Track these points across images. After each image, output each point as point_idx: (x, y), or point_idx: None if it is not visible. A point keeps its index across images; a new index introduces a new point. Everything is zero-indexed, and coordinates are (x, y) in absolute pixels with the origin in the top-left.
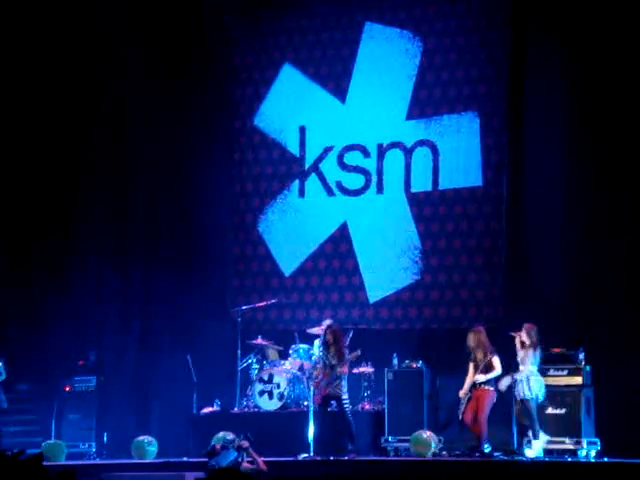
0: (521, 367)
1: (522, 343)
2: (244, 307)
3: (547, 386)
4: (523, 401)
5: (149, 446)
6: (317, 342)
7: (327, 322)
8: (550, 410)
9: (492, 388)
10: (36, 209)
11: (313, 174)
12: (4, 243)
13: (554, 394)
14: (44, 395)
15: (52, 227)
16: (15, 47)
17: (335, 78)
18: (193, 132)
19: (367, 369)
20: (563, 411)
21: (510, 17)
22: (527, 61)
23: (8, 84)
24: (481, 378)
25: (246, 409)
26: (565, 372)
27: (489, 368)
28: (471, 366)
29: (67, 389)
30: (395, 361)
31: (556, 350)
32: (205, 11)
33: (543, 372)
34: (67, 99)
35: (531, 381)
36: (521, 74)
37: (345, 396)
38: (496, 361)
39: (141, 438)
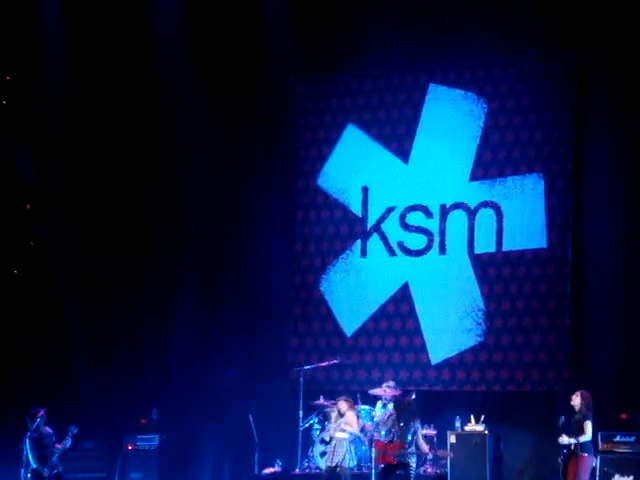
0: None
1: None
2: (306, 367)
3: (613, 452)
4: None
5: None
6: (379, 403)
7: (389, 383)
8: (617, 478)
9: (590, 454)
10: (106, 275)
11: (375, 234)
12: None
13: (620, 461)
14: (108, 453)
15: (122, 296)
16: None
17: (398, 139)
18: (255, 191)
19: (430, 431)
20: (631, 478)
21: (574, 80)
22: (590, 124)
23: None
24: (567, 440)
25: (307, 470)
26: (632, 438)
27: (580, 431)
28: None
29: (130, 447)
30: (458, 423)
31: (622, 416)
32: (271, 70)
33: (609, 438)
34: (130, 157)
35: None
36: (583, 136)
37: (414, 465)
38: (588, 426)
39: None
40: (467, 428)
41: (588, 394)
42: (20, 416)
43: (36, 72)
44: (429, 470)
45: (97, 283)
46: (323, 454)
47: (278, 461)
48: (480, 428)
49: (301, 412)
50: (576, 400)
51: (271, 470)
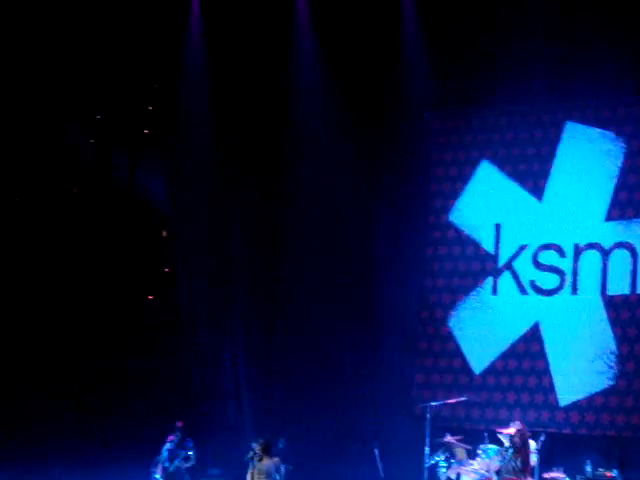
0: None
1: None
2: (433, 403)
3: None
4: None
5: None
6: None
7: (516, 424)
8: None
9: None
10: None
11: (507, 272)
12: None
13: None
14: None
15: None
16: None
17: (533, 176)
18: (385, 225)
19: (559, 475)
20: None
21: None
22: None
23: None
24: None
25: None
26: None
27: None
28: None
29: None
30: (588, 468)
31: None
32: (405, 105)
33: None
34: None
35: None
36: None
37: None
38: None
39: None
40: (598, 473)
41: None
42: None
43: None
44: None
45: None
46: None
47: None
48: (611, 474)
49: (427, 449)
50: None
51: None
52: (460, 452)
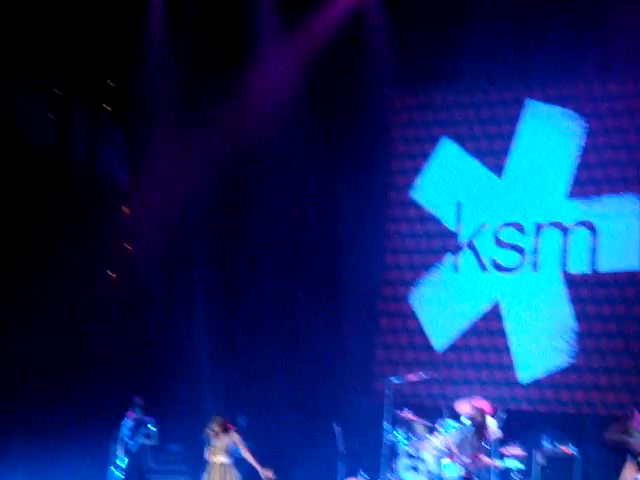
0: None
1: None
2: (393, 379)
3: None
4: None
5: None
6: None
7: (477, 399)
8: None
9: None
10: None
11: (468, 249)
12: None
13: None
14: (195, 455)
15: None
16: None
17: (494, 154)
18: (346, 202)
19: (516, 450)
20: None
21: None
22: None
23: None
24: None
25: None
26: None
27: None
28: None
29: None
30: (545, 443)
31: None
32: (367, 81)
33: None
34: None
35: None
36: None
37: None
38: None
39: None
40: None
41: None
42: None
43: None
44: None
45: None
46: (408, 467)
47: (361, 471)
48: (568, 448)
49: (387, 424)
50: None
51: None
52: (420, 428)
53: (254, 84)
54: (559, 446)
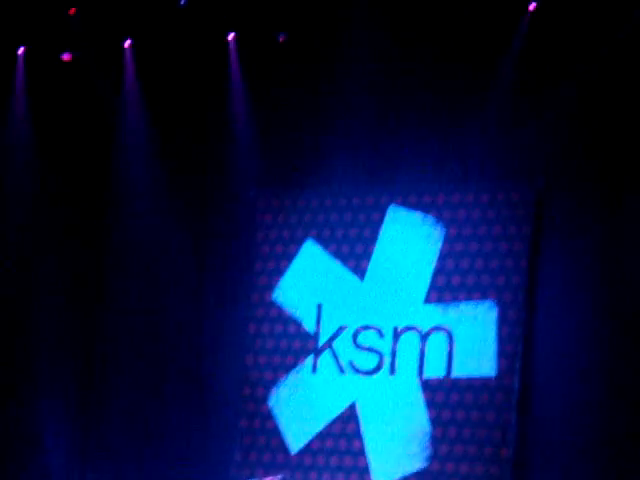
0: None
1: None
2: None
3: None
4: None
5: None
6: None
7: None
8: None
9: None
10: None
11: (327, 351)
12: None
13: None
14: None
15: None
16: None
17: (356, 257)
18: (208, 304)
19: None
20: None
21: (533, 213)
22: (543, 254)
23: None
24: None
25: None
26: None
27: None
28: None
29: None
30: None
31: None
32: (230, 183)
33: None
34: None
35: None
36: (537, 267)
37: None
38: None
39: None
40: None
41: None
42: None
43: None
44: None
45: None
46: None
47: None
48: None
49: None
50: None
51: None
52: None
53: None
54: None
